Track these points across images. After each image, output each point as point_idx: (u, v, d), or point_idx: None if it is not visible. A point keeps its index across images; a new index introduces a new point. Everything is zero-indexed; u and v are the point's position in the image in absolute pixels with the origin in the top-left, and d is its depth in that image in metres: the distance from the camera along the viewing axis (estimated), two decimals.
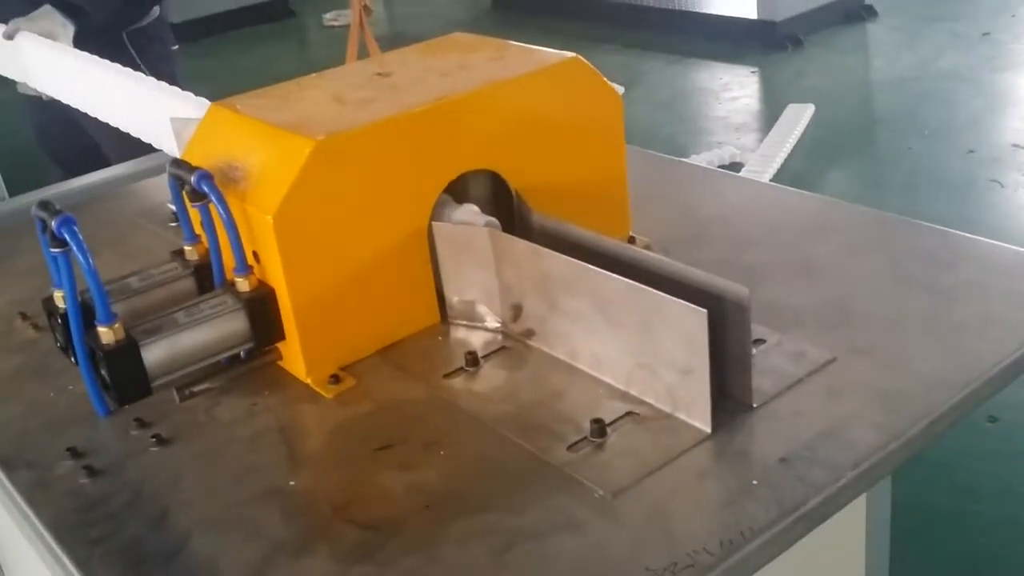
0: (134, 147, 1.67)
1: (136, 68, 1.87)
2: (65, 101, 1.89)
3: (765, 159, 4.52)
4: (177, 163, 1.09)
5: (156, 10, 2.64)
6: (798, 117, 4.88)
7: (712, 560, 0.84)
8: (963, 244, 1.24)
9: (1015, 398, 2.77)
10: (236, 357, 1.13)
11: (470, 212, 1.16)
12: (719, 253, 1.28)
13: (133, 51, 2.48)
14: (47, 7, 2.31)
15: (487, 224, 1.13)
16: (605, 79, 1.25)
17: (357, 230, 1.10)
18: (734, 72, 5.62)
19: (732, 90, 5.42)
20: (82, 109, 1.81)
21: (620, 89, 5.47)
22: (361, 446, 1.02)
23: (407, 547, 0.89)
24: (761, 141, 4.76)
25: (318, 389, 1.10)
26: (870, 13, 6.04)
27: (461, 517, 0.91)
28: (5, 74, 2.17)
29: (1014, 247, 1.21)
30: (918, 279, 1.18)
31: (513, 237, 1.11)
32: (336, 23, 7.43)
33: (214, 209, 1.07)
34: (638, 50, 6.14)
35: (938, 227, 1.28)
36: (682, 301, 0.95)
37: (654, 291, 0.97)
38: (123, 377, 1.02)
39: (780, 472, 0.92)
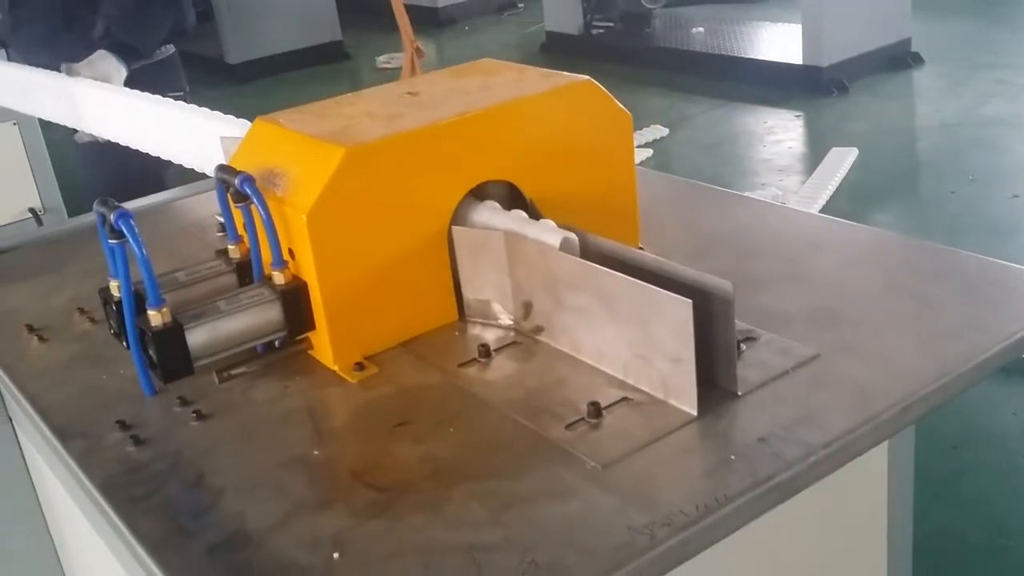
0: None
1: None
2: (119, 141, 2.03)
3: (807, 200, 4.60)
4: (223, 168, 1.23)
5: (165, 49, 2.75)
6: (841, 160, 4.97)
7: (687, 521, 0.94)
8: (952, 258, 1.34)
9: None
10: (271, 345, 1.26)
11: (492, 209, 1.28)
12: (721, 263, 1.39)
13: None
14: (102, 51, 2.47)
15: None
16: (615, 100, 1.37)
17: (383, 231, 1.22)
18: (779, 116, 5.73)
19: (776, 133, 5.52)
20: (136, 147, 1.96)
21: (664, 131, 5.63)
22: (380, 423, 1.14)
23: (415, 506, 1.00)
24: (804, 183, 4.84)
25: (344, 375, 1.22)
26: (916, 60, 6.12)
27: (465, 482, 1.02)
28: (56, 120, 2.29)
29: (1000, 261, 1.30)
30: (906, 288, 1.28)
31: (525, 239, 1.22)
32: (389, 65, 7.67)
33: (255, 209, 1.20)
34: (684, 93, 6.28)
35: (930, 243, 1.37)
36: (670, 293, 1.05)
37: (647, 285, 1.08)
38: (169, 356, 1.15)
39: (757, 449, 1.02)
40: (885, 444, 1.28)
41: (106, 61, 2.44)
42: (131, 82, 2.47)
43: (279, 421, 1.17)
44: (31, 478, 1.65)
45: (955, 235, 4.14)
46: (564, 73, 1.39)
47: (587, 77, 1.36)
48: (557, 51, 7.40)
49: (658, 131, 5.67)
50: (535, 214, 1.32)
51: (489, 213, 1.28)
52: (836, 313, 1.24)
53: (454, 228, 1.27)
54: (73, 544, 1.61)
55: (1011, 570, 2.39)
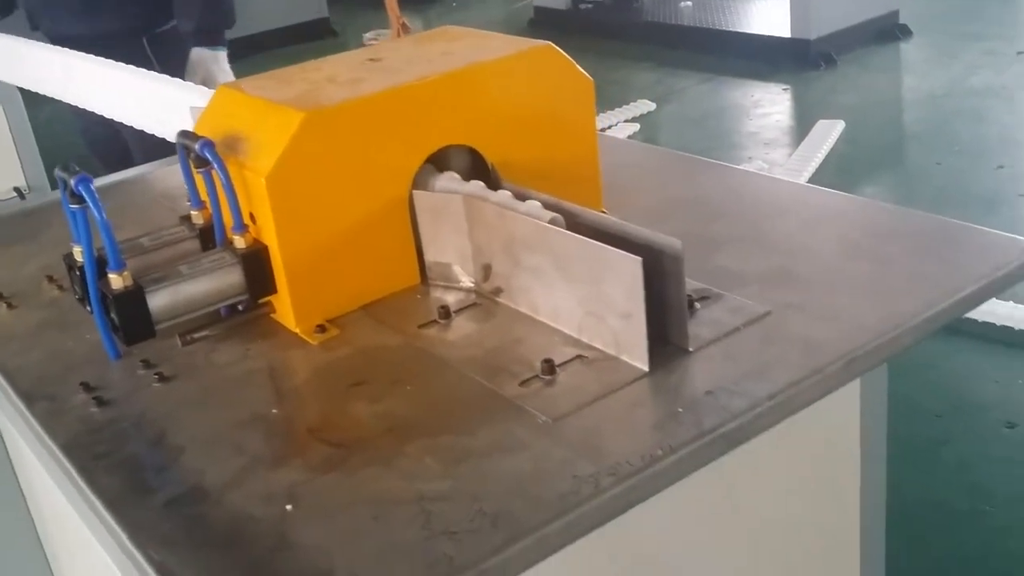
0: (157, 146, 1.84)
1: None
2: (87, 107, 2.06)
3: (793, 173, 4.62)
4: (184, 133, 1.25)
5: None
6: (828, 133, 4.99)
7: (632, 470, 0.96)
8: (909, 218, 1.36)
9: None
10: (235, 309, 1.28)
11: (452, 179, 1.31)
12: (683, 226, 1.41)
13: (152, 56, 2.64)
14: (196, 50, 2.49)
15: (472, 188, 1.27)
16: (577, 65, 1.39)
17: (344, 195, 1.25)
18: (766, 89, 5.74)
19: (764, 107, 5.54)
20: (103, 113, 1.98)
21: (652, 105, 5.64)
22: (338, 383, 1.16)
23: (369, 460, 1.02)
24: (791, 156, 4.87)
25: (305, 337, 1.25)
26: (904, 32, 6.13)
27: (419, 438, 1.05)
28: (36, 90, 2.32)
29: (957, 221, 1.33)
30: (862, 248, 1.30)
31: (483, 202, 1.24)
32: (375, 42, 7.66)
33: (215, 174, 1.22)
34: (672, 68, 6.29)
35: (889, 205, 1.40)
36: (620, 251, 1.08)
37: (599, 244, 1.11)
38: (130, 319, 1.18)
39: (705, 402, 1.05)
40: (857, 397, 1.31)
41: (202, 55, 2.48)
42: (154, 42, 2.54)
43: (240, 382, 1.19)
44: (4, 445, 1.68)
45: (941, 206, 4.17)
46: (525, 39, 1.40)
47: (548, 42, 1.38)
48: (545, 27, 7.40)
49: (646, 106, 5.69)
50: (496, 179, 1.34)
51: (449, 183, 1.30)
52: (791, 273, 1.26)
53: (415, 192, 1.29)
54: (46, 509, 1.64)
55: (992, 534, 2.43)
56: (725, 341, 1.14)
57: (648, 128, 5.45)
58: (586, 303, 1.15)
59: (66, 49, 2.25)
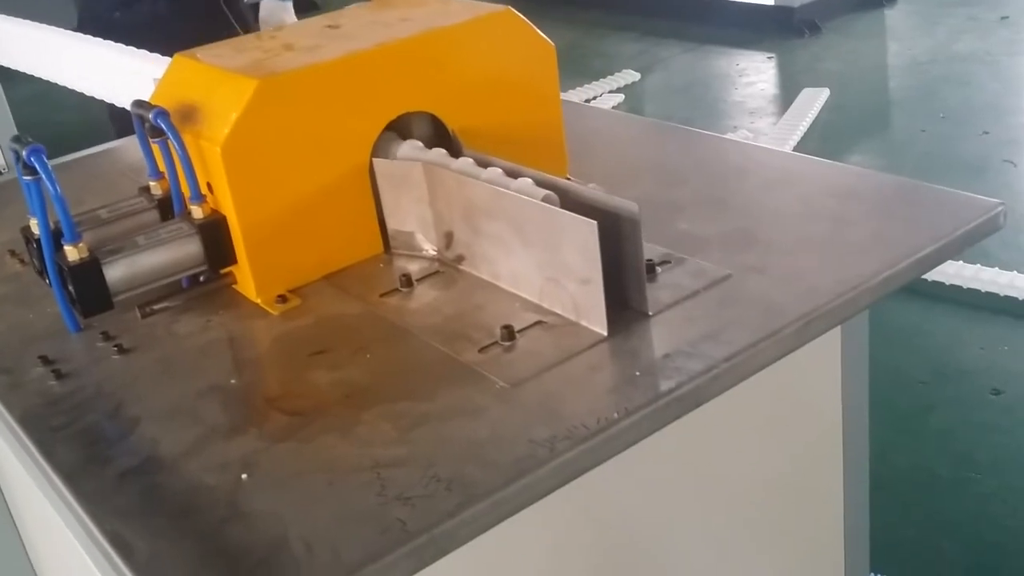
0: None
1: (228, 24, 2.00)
2: (58, 80, 2.04)
3: (778, 141, 4.62)
4: (139, 103, 1.24)
5: None
6: (812, 101, 4.98)
7: (588, 433, 0.97)
8: (870, 179, 1.37)
9: (1018, 371, 2.87)
10: (196, 280, 1.28)
11: (414, 147, 1.30)
12: (646, 191, 1.41)
13: (229, 13, 2.60)
14: (265, 3, 2.48)
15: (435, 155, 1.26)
16: (538, 31, 1.38)
17: (302, 163, 1.24)
18: (751, 58, 5.72)
19: (748, 75, 5.52)
20: (73, 86, 1.97)
21: (636, 75, 5.62)
22: (298, 352, 1.16)
23: (326, 428, 1.03)
24: (775, 124, 4.86)
25: (266, 307, 1.25)
26: None
27: (377, 405, 1.05)
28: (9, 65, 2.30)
29: (916, 181, 1.33)
30: (823, 210, 1.30)
31: (443, 169, 1.24)
32: None
33: (171, 144, 1.21)
34: (656, 37, 6.26)
35: (851, 167, 1.40)
36: (575, 215, 1.08)
37: (555, 208, 1.10)
38: (87, 291, 1.17)
39: (662, 365, 1.05)
40: (838, 355, 1.32)
41: (272, 8, 2.47)
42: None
43: (200, 353, 1.19)
44: None
45: (926, 172, 4.17)
46: (485, 4, 1.39)
47: (507, 7, 1.37)
48: None
49: (630, 76, 5.66)
50: (458, 146, 1.33)
51: (412, 151, 1.30)
52: (751, 235, 1.26)
53: (375, 160, 1.29)
54: (13, 482, 1.64)
55: (976, 501, 2.45)
56: (685, 304, 1.15)
57: (633, 98, 5.43)
58: (545, 269, 1.15)
59: (36, 24, 2.24)
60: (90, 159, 1.85)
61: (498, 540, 0.95)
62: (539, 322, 1.15)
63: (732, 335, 1.08)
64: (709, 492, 1.27)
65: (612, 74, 5.65)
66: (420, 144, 1.31)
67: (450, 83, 1.32)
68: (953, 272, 3.32)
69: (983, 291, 3.25)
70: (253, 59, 1.28)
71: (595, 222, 1.06)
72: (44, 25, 2.25)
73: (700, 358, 1.05)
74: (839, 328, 1.27)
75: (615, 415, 0.99)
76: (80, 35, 2.04)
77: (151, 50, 1.79)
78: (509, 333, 1.12)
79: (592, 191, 1.12)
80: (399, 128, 1.32)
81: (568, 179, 1.41)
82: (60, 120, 3.26)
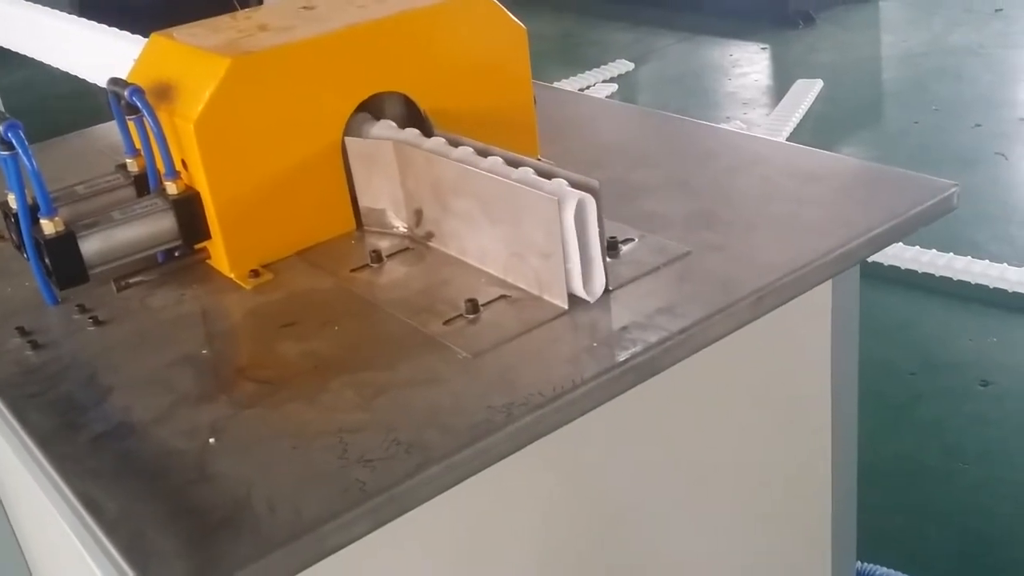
0: None
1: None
2: (45, 60, 2.09)
3: (771, 132, 4.67)
4: (114, 81, 1.29)
5: None
6: (806, 92, 5.03)
7: (543, 400, 1.02)
8: (831, 161, 1.42)
9: (1007, 363, 2.91)
10: (171, 255, 1.32)
11: (386, 127, 1.35)
12: (615, 173, 1.46)
13: None
14: None
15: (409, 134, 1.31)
16: (509, 14, 1.43)
17: (275, 141, 1.29)
18: (744, 49, 5.77)
19: (742, 66, 5.57)
20: (60, 66, 2.01)
21: (630, 65, 5.66)
22: (268, 324, 1.21)
23: (292, 396, 1.07)
24: (768, 115, 4.91)
25: (239, 282, 1.30)
26: None
27: (343, 374, 1.10)
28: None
29: (875, 164, 1.38)
30: (784, 191, 1.35)
31: (412, 148, 1.29)
32: None
33: (146, 121, 1.26)
34: (650, 27, 6.31)
35: (814, 149, 1.45)
36: (538, 191, 1.12)
37: (518, 185, 1.15)
38: (63, 264, 1.22)
39: (618, 336, 1.10)
40: (828, 321, 1.37)
41: None
42: None
43: (173, 325, 1.24)
44: None
45: (918, 164, 4.21)
46: None
47: None
48: None
49: (624, 66, 5.71)
50: (429, 127, 1.38)
51: (384, 131, 1.34)
52: (714, 215, 1.31)
53: (347, 139, 1.33)
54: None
55: (964, 490, 2.49)
56: (644, 280, 1.19)
57: (626, 88, 5.48)
58: (510, 244, 1.20)
59: (38, 6, 2.27)
60: (71, 140, 1.90)
61: (461, 501, 1.01)
62: (503, 296, 1.20)
63: (687, 309, 1.12)
64: (688, 469, 1.31)
65: (605, 63, 5.70)
66: (393, 124, 1.35)
67: (422, 64, 1.37)
68: (943, 264, 3.37)
69: (973, 283, 3.29)
70: (228, 39, 1.33)
71: (556, 198, 1.11)
72: (45, 8, 2.28)
73: (655, 330, 1.10)
74: (829, 302, 1.34)
75: (571, 383, 1.03)
76: (82, 20, 2.07)
77: None
78: (473, 306, 1.17)
79: (556, 169, 1.17)
80: (372, 108, 1.37)
81: (539, 160, 1.46)
82: (53, 107, 3.29)
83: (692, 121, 1.64)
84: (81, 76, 1.98)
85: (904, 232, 1.24)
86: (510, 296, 1.20)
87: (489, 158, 1.22)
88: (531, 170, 1.18)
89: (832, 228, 1.25)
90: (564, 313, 1.15)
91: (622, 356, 1.07)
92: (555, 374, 1.05)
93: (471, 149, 1.26)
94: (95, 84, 2.01)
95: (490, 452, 0.99)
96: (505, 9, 1.43)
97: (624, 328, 1.11)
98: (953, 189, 1.28)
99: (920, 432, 2.73)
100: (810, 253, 1.19)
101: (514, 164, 1.21)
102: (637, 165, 1.48)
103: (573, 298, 1.16)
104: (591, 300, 1.14)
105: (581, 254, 1.13)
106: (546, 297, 1.18)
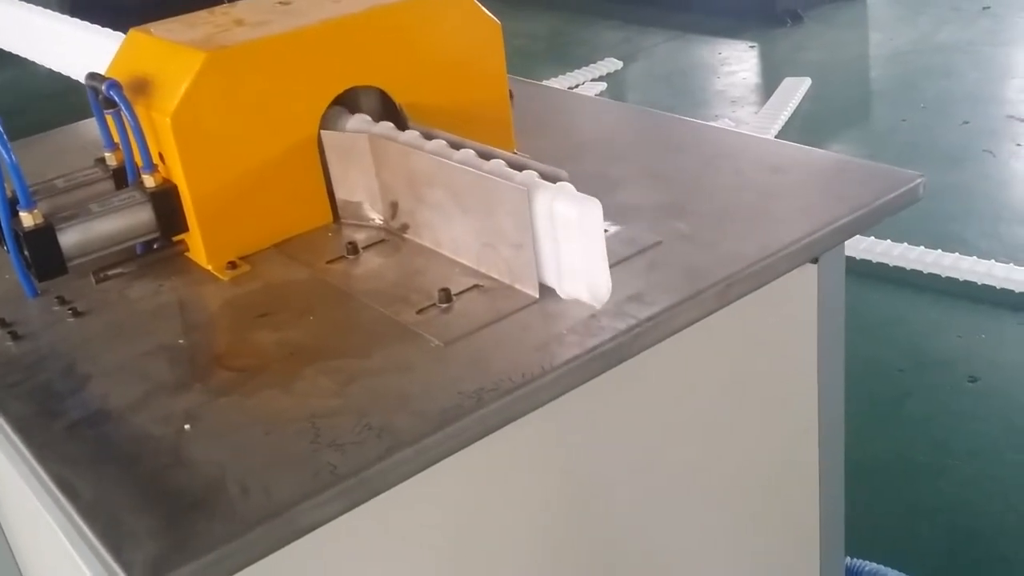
0: None
1: None
2: (31, 57, 2.12)
3: (760, 130, 4.70)
4: (92, 76, 1.31)
5: None
6: (794, 90, 5.07)
7: (513, 386, 1.05)
8: (799, 153, 1.45)
9: (995, 359, 2.95)
10: (150, 247, 1.35)
11: (362, 121, 1.38)
12: (589, 166, 1.49)
13: None
14: None
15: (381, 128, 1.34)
16: (484, 9, 1.46)
17: (252, 134, 1.32)
18: (733, 47, 5.81)
19: (731, 64, 5.61)
20: (44, 63, 2.04)
21: (619, 64, 5.70)
22: (245, 314, 1.24)
23: (267, 383, 1.10)
24: (757, 113, 4.94)
25: (216, 274, 1.32)
26: None
27: (317, 362, 1.13)
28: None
29: (842, 156, 1.41)
30: (753, 182, 1.39)
31: (387, 140, 1.32)
32: None
33: (124, 115, 1.29)
34: (639, 25, 6.35)
35: (786, 143, 1.48)
36: (508, 182, 1.15)
37: (489, 175, 1.18)
38: (42, 256, 1.25)
39: (588, 324, 1.13)
40: (813, 314, 1.40)
41: None
42: None
43: (151, 316, 1.27)
44: None
45: (906, 162, 4.20)
46: None
47: None
48: None
49: (613, 64, 5.75)
50: (404, 121, 1.41)
51: (360, 124, 1.37)
52: (683, 206, 1.34)
53: (323, 132, 1.36)
54: None
55: (953, 487, 2.52)
56: (615, 269, 1.21)
57: (615, 86, 5.51)
58: (482, 235, 1.23)
59: (29, 6, 2.29)
60: (52, 136, 1.93)
61: (434, 484, 1.04)
62: (476, 286, 1.23)
63: (656, 296, 1.16)
64: (669, 462, 1.33)
65: (595, 62, 5.73)
66: (368, 118, 1.38)
67: (397, 59, 1.40)
68: (931, 260, 3.40)
69: (961, 279, 3.32)
70: (204, 33, 1.35)
71: (526, 188, 1.14)
72: (35, 6, 2.30)
73: (624, 317, 1.13)
74: (814, 294, 1.36)
75: (540, 369, 1.06)
76: (71, 19, 2.09)
77: None
78: (446, 296, 1.20)
79: (526, 161, 1.20)
80: (348, 102, 1.39)
81: (515, 153, 1.49)
82: (38, 107, 3.31)
83: (669, 116, 1.68)
84: (68, 74, 2.01)
85: (871, 222, 1.28)
86: (482, 286, 1.23)
87: (462, 150, 1.25)
88: (502, 162, 1.21)
89: (800, 218, 1.28)
90: (535, 302, 1.18)
91: (591, 343, 1.10)
92: (525, 360, 1.08)
93: (444, 142, 1.29)
94: (80, 82, 2.04)
95: (460, 436, 1.02)
96: (480, 4, 1.46)
97: (593, 316, 1.14)
98: (919, 180, 1.32)
99: (909, 429, 2.76)
100: (777, 242, 1.23)
101: (486, 156, 1.24)
102: (612, 158, 1.51)
103: (544, 287, 1.18)
104: (597, 306, 1.13)
105: (585, 261, 1.12)
106: (517, 286, 1.21)
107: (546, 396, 1.07)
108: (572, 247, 1.13)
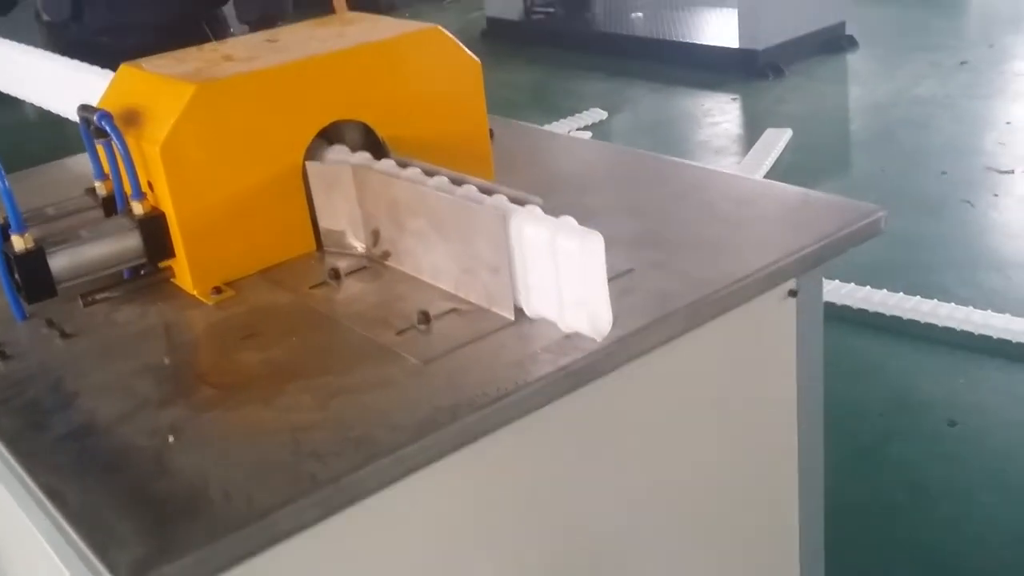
0: None
1: None
2: (19, 95, 2.17)
3: None
4: (85, 107, 1.38)
5: None
6: (775, 141, 5.17)
7: (487, 400, 1.10)
8: (765, 187, 1.52)
9: (974, 403, 3.00)
10: (137, 273, 1.41)
11: (341, 151, 1.44)
12: (564, 198, 1.54)
13: (212, 37, 2.72)
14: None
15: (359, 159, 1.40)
16: (464, 48, 1.53)
17: (238, 165, 1.38)
18: (716, 99, 5.93)
19: (713, 116, 5.72)
20: (35, 101, 2.09)
21: (603, 114, 5.80)
22: (229, 336, 1.29)
23: (250, 399, 1.15)
24: (739, 163, 5.05)
25: (202, 299, 1.38)
26: (851, 43, 6.36)
27: (299, 380, 1.18)
28: None
29: (806, 190, 1.48)
30: (722, 214, 1.46)
31: (369, 170, 1.38)
32: None
33: (115, 145, 1.35)
34: (624, 78, 6.47)
35: (755, 178, 1.55)
36: (486, 207, 1.22)
37: (467, 202, 1.24)
38: (32, 279, 1.30)
39: (562, 344, 1.18)
40: (792, 348, 1.45)
41: None
42: (211, 22, 2.65)
43: (137, 337, 1.32)
44: None
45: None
46: (414, 22, 1.54)
47: (435, 25, 1.52)
48: (498, 37, 7.56)
49: (598, 114, 5.85)
50: (386, 153, 1.47)
51: (339, 155, 1.44)
52: (654, 236, 1.41)
53: (307, 163, 1.42)
54: None
55: (932, 529, 2.55)
56: None
57: (600, 136, 5.60)
58: (461, 260, 1.29)
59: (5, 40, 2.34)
60: (43, 170, 1.99)
61: (413, 494, 1.09)
62: (454, 309, 1.28)
63: (627, 319, 1.21)
64: (644, 488, 1.37)
65: (580, 112, 5.84)
66: (347, 149, 1.45)
67: (380, 94, 1.46)
68: (911, 307, 3.47)
69: (940, 325, 3.38)
70: (194, 68, 1.42)
71: (503, 213, 1.20)
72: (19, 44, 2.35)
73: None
74: (793, 327, 1.42)
75: (513, 385, 1.12)
76: (39, 51, 2.15)
77: None
78: (425, 318, 1.26)
79: (499, 188, 1.26)
80: (333, 136, 1.46)
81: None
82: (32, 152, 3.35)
83: (644, 153, 1.75)
84: (58, 111, 2.06)
85: (832, 252, 1.34)
86: (460, 309, 1.28)
87: (435, 177, 1.32)
88: (474, 188, 1.27)
89: (761, 249, 1.34)
90: (511, 323, 1.24)
91: (563, 361, 1.15)
92: (499, 377, 1.14)
93: (419, 169, 1.35)
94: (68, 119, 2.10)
95: (435, 447, 1.07)
96: (460, 44, 1.54)
97: (567, 337, 1.19)
98: (880, 214, 1.39)
99: (889, 472, 2.80)
100: (740, 271, 1.29)
101: (458, 183, 1.30)
102: (587, 191, 1.58)
103: (520, 311, 1.24)
104: (598, 339, 1.15)
105: (587, 294, 1.14)
106: (495, 309, 1.26)
107: (519, 411, 1.12)
108: (573, 280, 1.15)
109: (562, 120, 5.71)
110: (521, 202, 1.21)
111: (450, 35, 1.53)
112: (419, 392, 1.14)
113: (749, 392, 1.45)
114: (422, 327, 1.25)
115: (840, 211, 1.42)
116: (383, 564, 1.13)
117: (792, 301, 1.40)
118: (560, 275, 1.17)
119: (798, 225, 1.40)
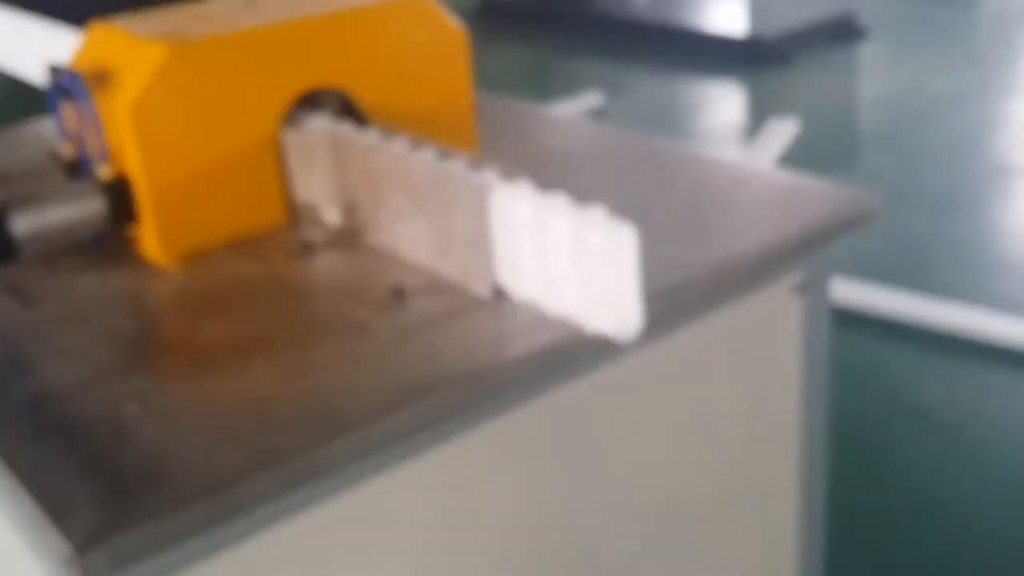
0: None
1: None
2: None
3: None
4: (53, 68, 1.39)
5: None
6: (779, 132, 5.20)
7: (460, 376, 1.12)
8: (761, 172, 1.54)
9: (979, 410, 3.03)
10: (102, 239, 1.42)
11: (323, 120, 1.45)
12: (549, 177, 1.56)
13: None
14: None
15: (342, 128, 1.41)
16: (448, 18, 1.55)
17: (210, 130, 1.39)
18: (720, 87, 5.96)
19: (716, 104, 5.76)
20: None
21: (601, 99, 5.82)
22: (195, 306, 1.31)
23: (215, 372, 1.17)
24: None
25: (168, 268, 1.39)
26: (861, 34, 6.39)
27: (267, 353, 1.19)
28: None
29: (800, 176, 1.51)
30: (711, 197, 1.48)
31: (348, 141, 1.40)
32: None
33: (82, 106, 1.36)
34: (625, 63, 6.49)
35: (742, 161, 1.57)
36: (466, 181, 1.23)
37: (447, 175, 1.26)
38: None
39: (539, 322, 1.20)
40: (794, 352, 1.48)
41: None
42: None
43: (101, 305, 1.33)
44: None
45: (891, 208, 4.34)
46: None
47: None
48: (494, 17, 7.56)
49: (596, 99, 5.87)
50: (365, 123, 1.49)
51: (320, 123, 1.45)
52: (640, 218, 1.41)
53: (284, 132, 1.44)
54: None
55: (935, 537, 2.58)
56: None
57: (598, 122, 5.63)
58: (439, 234, 1.30)
59: None
60: (4, 134, 2.00)
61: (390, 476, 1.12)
62: (430, 285, 1.30)
63: None
64: (633, 490, 1.39)
65: (577, 96, 5.86)
66: (329, 117, 1.46)
67: (359, 62, 1.48)
68: (917, 309, 3.50)
69: (946, 329, 3.41)
70: (168, 28, 1.43)
71: (484, 185, 1.22)
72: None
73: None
74: (795, 331, 1.44)
75: (488, 362, 1.14)
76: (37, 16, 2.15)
77: None
78: (398, 293, 1.27)
79: (485, 162, 1.28)
80: (310, 104, 1.47)
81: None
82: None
83: (633, 134, 1.76)
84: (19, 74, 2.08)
85: (822, 239, 1.36)
86: (437, 285, 1.30)
87: (421, 151, 1.33)
88: (461, 162, 1.29)
89: (748, 233, 1.36)
90: (488, 302, 1.25)
91: (541, 339, 1.17)
92: (474, 355, 1.16)
93: (405, 142, 1.37)
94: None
95: (405, 424, 1.08)
96: (444, 12, 1.55)
97: (543, 317, 1.21)
98: (874, 200, 1.41)
99: (891, 478, 2.82)
100: (728, 258, 1.31)
101: (445, 157, 1.31)
102: (573, 170, 1.60)
103: (501, 292, 1.26)
104: (625, 341, 1.13)
105: (615, 292, 1.12)
106: (472, 286, 1.28)
107: (492, 389, 1.14)
108: (600, 278, 1.12)
109: (559, 104, 5.72)
110: (509, 178, 1.23)
111: (435, 3, 1.54)
112: (390, 368, 1.15)
113: (748, 388, 1.48)
114: (396, 303, 1.27)
115: (833, 197, 1.43)
116: (349, 541, 1.15)
117: (798, 296, 1.42)
118: (583, 271, 1.14)
119: (788, 210, 1.41)
